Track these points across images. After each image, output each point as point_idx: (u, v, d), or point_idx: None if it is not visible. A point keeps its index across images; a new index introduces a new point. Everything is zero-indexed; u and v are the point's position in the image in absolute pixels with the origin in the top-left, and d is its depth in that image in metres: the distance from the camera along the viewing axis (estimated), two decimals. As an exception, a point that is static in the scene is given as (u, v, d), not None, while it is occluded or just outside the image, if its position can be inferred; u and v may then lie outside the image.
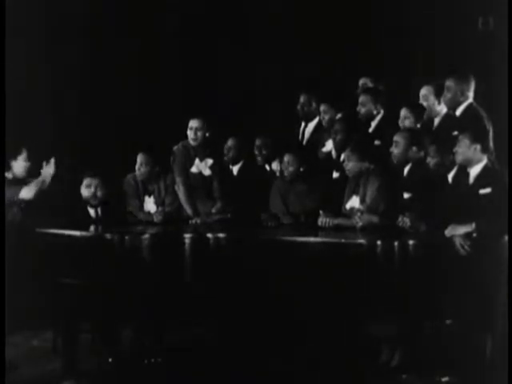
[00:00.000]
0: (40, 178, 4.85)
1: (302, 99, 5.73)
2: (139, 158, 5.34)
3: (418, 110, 5.02)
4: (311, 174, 5.14)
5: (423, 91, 5.03)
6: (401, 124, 5.04)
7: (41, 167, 4.91)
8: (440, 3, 6.14)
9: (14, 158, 4.91)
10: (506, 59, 4.27)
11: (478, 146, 4.26)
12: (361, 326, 4.51)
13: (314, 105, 5.69)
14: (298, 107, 5.74)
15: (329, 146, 5.43)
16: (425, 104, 5.02)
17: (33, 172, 4.96)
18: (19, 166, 4.93)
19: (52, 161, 4.85)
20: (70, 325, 4.71)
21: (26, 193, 4.82)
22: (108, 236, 4.53)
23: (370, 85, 5.68)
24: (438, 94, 4.93)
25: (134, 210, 5.32)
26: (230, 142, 5.56)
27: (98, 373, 4.70)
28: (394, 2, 6.26)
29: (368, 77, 5.81)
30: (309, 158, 5.26)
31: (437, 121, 5.01)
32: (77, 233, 4.59)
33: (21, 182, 4.90)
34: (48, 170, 4.84)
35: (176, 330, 5.11)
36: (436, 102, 4.96)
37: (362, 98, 5.34)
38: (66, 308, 4.67)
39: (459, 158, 4.33)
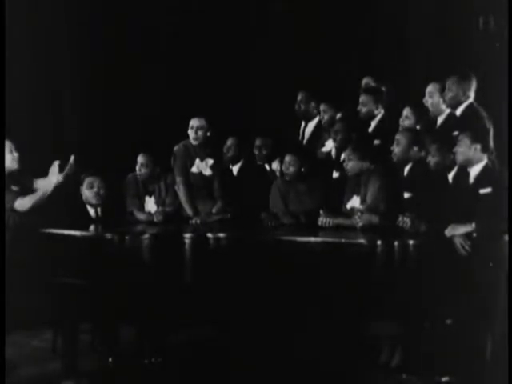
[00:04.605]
0: (41, 191, 4.78)
1: (299, 97, 5.75)
2: (140, 159, 5.35)
3: (420, 111, 5.01)
4: (312, 174, 5.15)
5: (429, 88, 5.01)
6: (401, 123, 5.05)
7: (32, 157, 4.85)
8: (441, 3, 6.13)
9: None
10: (506, 59, 4.27)
11: (479, 146, 4.27)
12: (361, 325, 4.51)
13: (312, 103, 5.70)
14: (296, 105, 5.75)
15: (328, 145, 5.44)
16: (430, 101, 5.00)
17: (25, 161, 4.90)
18: (7, 159, 4.81)
19: (56, 167, 4.79)
20: (70, 325, 4.70)
21: (22, 204, 4.78)
22: (108, 236, 4.53)
23: (373, 84, 5.68)
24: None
25: (135, 210, 5.33)
26: (229, 142, 5.56)
27: (98, 373, 4.70)
28: (395, 2, 6.25)
29: (370, 76, 5.81)
30: (310, 158, 5.26)
31: (440, 119, 5.00)
32: (77, 233, 4.59)
33: (15, 178, 4.87)
34: (51, 179, 4.78)
35: (176, 330, 5.11)
36: (441, 100, 4.94)
37: (363, 98, 5.34)
38: (66, 308, 4.66)
39: (459, 158, 4.33)
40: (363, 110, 5.33)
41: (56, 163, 4.79)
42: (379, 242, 4.16)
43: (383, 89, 5.50)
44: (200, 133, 5.40)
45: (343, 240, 4.33)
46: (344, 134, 5.18)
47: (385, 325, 4.49)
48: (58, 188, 4.83)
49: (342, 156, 5.03)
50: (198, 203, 5.38)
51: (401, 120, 5.04)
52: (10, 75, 4.75)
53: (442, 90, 4.88)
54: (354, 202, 4.81)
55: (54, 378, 4.61)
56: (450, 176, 4.50)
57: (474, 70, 4.88)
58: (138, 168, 5.35)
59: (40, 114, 6.13)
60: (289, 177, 5.14)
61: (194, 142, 5.44)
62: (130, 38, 6.46)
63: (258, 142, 5.54)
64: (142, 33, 6.52)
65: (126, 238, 4.49)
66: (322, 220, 4.77)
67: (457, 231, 4.13)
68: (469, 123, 4.58)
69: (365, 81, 5.81)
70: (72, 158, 4.83)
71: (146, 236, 4.51)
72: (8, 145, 4.81)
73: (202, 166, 5.46)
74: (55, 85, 6.32)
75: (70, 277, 4.54)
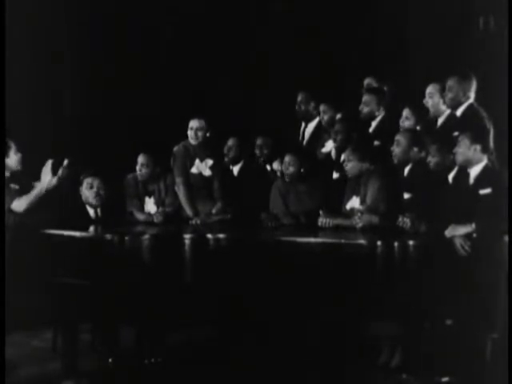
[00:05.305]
0: (35, 191, 4.78)
1: (299, 97, 5.75)
2: (140, 159, 5.35)
3: (420, 112, 5.01)
4: (311, 175, 5.15)
5: (429, 89, 5.01)
6: (402, 124, 5.05)
7: (32, 157, 4.87)
8: (441, 3, 6.13)
9: (7, 154, 4.83)
10: (506, 59, 4.27)
11: (478, 147, 4.26)
12: (361, 326, 4.51)
13: (312, 104, 5.70)
14: (296, 106, 5.76)
15: (328, 146, 5.44)
16: (430, 102, 4.99)
17: (27, 163, 4.92)
18: (12, 160, 4.85)
19: (48, 165, 4.78)
20: (70, 325, 4.70)
21: (18, 205, 4.78)
22: (108, 236, 4.53)
23: (375, 85, 5.69)
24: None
25: (135, 210, 5.33)
26: (230, 142, 5.56)
27: (98, 373, 4.70)
28: (395, 2, 6.26)
29: (372, 77, 5.81)
30: (310, 158, 5.27)
31: (440, 120, 5.00)
32: (77, 233, 4.59)
33: (16, 178, 4.88)
34: (45, 177, 4.77)
35: (176, 331, 5.11)
36: (441, 101, 4.94)
37: (366, 98, 5.34)
38: (66, 308, 4.66)
39: (459, 159, 4.33)
40: (365, 109, 5.33)
41: (49, 162, 4.79)
42: (379, 243, 4.16)
43: (385, 89, 5.50)
44: (199, 134, 5.40)
45: (343, 240, 4.33)
46: (344, 135, 5.18)
47: (385, 325, 4.49)
48: (57, 188, 4.83)
49: (342, 157, 5.03)
50: (197, 204, 5.38)
51: (401, 121, 5.04)
52: (10, 75, 4.75)
53: (443, 91, 4.87)
54: (354, 202, 4.81)
55: (54, 378, 4.61)
56: (450, 176, 4.49)
57: (473, 70, 4.88)
58: (138, 168, 5.35)
59: (40, 114, 6.13)
60: (289, 177, 5.14)
61: (193, 143, 5.44)
62: (130, 38, 6.47)
63: (259, 142, 5.55)
64: (142, 33, 6.53)
65: (126, 238, 4.49)
66: (322, 220, 4.76)
67: (457, 232, 4.13)
68: (469, 124, 4.58)
69: (367, 81, 5.81)
70: (66, 161, 4.82)
71: (146, 236, 4.51)
72: (13, 146, 4.83)
73: (202, 167, 5.46)
74: (55, 85, 6.33)
75: (70, 277, 4.55)
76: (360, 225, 4.61)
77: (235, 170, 5.57)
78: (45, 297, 4.78)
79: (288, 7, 6.59)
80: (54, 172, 4.81)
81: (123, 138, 6.21)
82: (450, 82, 4.80)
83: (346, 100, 5.57)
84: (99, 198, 5.08)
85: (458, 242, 4.12)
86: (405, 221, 4.38)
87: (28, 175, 4.97)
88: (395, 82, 5.68)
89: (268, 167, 5.56)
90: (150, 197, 5.39)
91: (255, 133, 5.64)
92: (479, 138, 4.29)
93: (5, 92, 4.65)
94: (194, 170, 5.45)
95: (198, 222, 5.21)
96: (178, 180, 5.39)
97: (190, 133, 5.42)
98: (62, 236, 4.60)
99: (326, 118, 5.53)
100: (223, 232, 4.55)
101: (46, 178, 4.77)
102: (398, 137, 4.71)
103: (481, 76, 4.84)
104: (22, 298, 4.66)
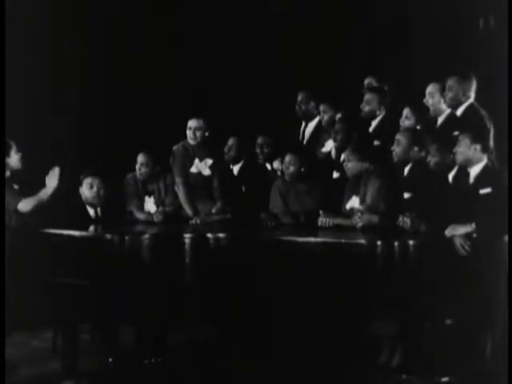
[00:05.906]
0: (41, 193, 4.78)
1: (299, 97, 5.76)
2: (140, 158, 5.35)
3: (420, 111, 5.02)
4: (311, 174, 5.15)
5: (429, 89, 5.01)
6: (402, 123, 5.05)
7: (34, 158, 4.88)
8: (441, 3, 6.13)
9: (8, 154, 4.84)
10: (506, 59, 4.27)
11: (478, 146, 4.27)
12: (361, 325, 4.51)
13: (312, 104, 5.71)
14: (296, 105, 5.76)
15: (328, 146, 5.45)
16: (430, 101, 5.00)
17: (27, 162, 4.92)
18: (13, 159, 4.86)
19: (56, 171, 4.79)
20: (70, 325, 4.70)
21: (24, 206, 4.77)
22: (108, 236, 4.53)
23: (375, 84, 5.69)
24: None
25: (134, 210, 5.32)
26: (230, 142, 5.57)
27: (98, 373, 4.69)
28: (396, 2, 6.26)
29: (372, 76, 5.81)
30: (310, 158, 5.27)
31: (440, 120, 5.00)
32: (77, 233, 4.58)
33: (17, 178, 4.89)
34: (51, 182, 4.78)
35: (176, 330, 5.11)
36: (441, 101, 4.94)
37: (368, 96, 5.34)
38: (66, 308, 4.66)
39: (459, 158, 4.33)
40: (366, 108, 5.33)
41: (56, 169, 4.78)
42: (379, 242, 4.16)
43: (386, 89, 5.50)
44: (198, 133, 5.40)
45: (343, 240, 4.33)
46: (344, 134, 5.19)
47: (385, 325, 4.48)
48: (57, 188, 4.83)
49: (342, 156, 5.03)
50: (197, 203, 5.37)
51: (401, 120, 5.05)
52: (10, 75, 4.75)
53: (443, 90, 4.87)
54: (354, 202, 4.81)
55: (54, 378, 4.61)
56: (450, 176, 4.50)
57: (473, 70, 4.88)
58: (137, 167, 5.35)
59: (40, 114, 6.13)
60: (289, 177, 5.14)
61: (192, 143, 5.43)
62: (130, 38, 6.47)
63: (259, 141, 5.55)
64: (142, 33, 6.52)
65: (126, 238, 4.48)
66: (322, 220, 4.77)
67: (457, 231, 4.13)
68: (469, 123, 4.58)
69: (367, 81, 5.82)
70: (57, 169, 4.80)
71: (146, 236, 4.50)
72: (13, 145, 4.84)
73: (201, 166, 5.46)
74: (55, 85, 6.33)
75: (70, 277, 4.54)
76: (360, 224, 4.61)
77: (235, 169, 5.57)
78: (45, 297, 4.77)
79: (288, 7, 6.60)
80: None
81: (123, 138, 6.20)
82: (450, 82, 4.80)
83: (345, 100, 5.58)
84: (99, 198, 5.08)
85: (457, 242, 4.12)
86: (405, 220, 4.38)
87: (28, 175, 4.98)
88: (395, 81, 5.68)
89: (268, 166, 5.56)
90: (149, 196, 5.39)
91: (255, 132, 5.64)
92: (479, 137, 4.29)
93: (5, 92, 4.65)
94: (193, 169, 5.44)
95: (198, 221, 5.21)
96: (178, 180, 5.39)
97: (188, 133, 5.41)
98: (62, 236, 4.60)
99: (326, 117, 5.54)
100: (223, 231, 4.56)
101: (52, 184, 4.76)
102: (399, 136, 4.72)
103: (481, 76, 4.84)
104: (21, 298, 4.66)
